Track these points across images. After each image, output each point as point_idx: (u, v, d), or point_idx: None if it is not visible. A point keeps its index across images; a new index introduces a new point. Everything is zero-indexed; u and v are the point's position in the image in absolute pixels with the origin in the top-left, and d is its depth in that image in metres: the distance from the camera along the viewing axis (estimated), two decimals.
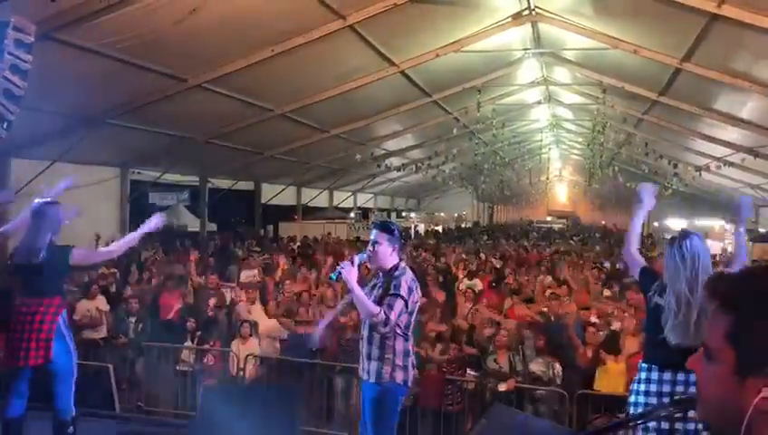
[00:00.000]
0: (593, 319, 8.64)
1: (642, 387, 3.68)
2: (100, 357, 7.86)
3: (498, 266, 14.12)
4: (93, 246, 9.31)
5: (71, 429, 4.59)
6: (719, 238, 24.42)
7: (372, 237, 4.22)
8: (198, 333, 8.35)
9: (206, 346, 8.10)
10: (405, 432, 6.09)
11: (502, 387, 6.74)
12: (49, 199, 4.73)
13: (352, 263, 4.09)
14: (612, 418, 6.43)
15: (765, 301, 1.05)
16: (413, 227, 31.64)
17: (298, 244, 18.95)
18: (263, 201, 21.66)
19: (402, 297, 3.99)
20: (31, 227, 4.54)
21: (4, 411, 4.59)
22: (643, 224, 4.17)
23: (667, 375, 3.60)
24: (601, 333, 7.93)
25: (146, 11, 7.36)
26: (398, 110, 15.18)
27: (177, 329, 8.41)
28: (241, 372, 7.70)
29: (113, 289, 10.17)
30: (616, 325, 8.06)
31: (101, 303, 8.97)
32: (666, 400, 3.55)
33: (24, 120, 8.59)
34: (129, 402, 7.54)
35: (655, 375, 3.64)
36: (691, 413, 3.53)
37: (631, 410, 3.72)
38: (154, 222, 4.98)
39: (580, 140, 23.64)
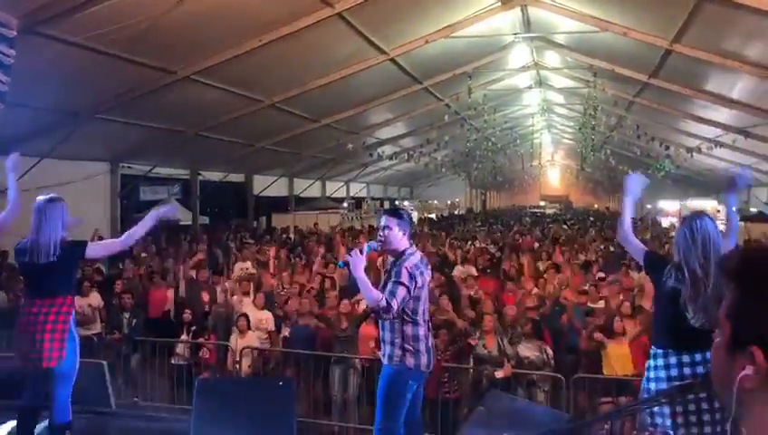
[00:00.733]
0: (591, 304, 8.67)
1: (662, 374, 3.60)
2: (94, 354, 7.81)
3: (493, 252, 14.12)
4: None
5: (67, 433, 4.49)
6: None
7: (382, 223, 4.24)
8: (194, 328, 8.32)
9: (201, 340, 8.07)
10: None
11: (499, 374, 6.74)
12: (52, 195, 4.52)
13: (362, 251, 4.11)
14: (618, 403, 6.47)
15: (760, 281, 1.07)
16: None
17: (291, 235, 18.90)
18: (255, 193, 21.60)
19: (402, 283, 4.01)
20: (37, 225, 4.32)
21: (19, 402, 4.54)
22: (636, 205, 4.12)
23: (686, 358, 3.55)
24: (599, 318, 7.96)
25: (132, 2, 7.28)
26: (388, 98, 15.12)
27: (170, 324, 8.38)
28: (237, 365, 7.68)
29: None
30: (612, 308, 8.08)
31: (95, 299, 8.91)
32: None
33: (9, 117, 8.55)
34: (125, 398, 7.50)
35: (673, 359, 3.58)
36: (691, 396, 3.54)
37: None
38: (167, 210, 4.87)
39: (572, 124, 23.66)
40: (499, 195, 49.00)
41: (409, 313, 4.09)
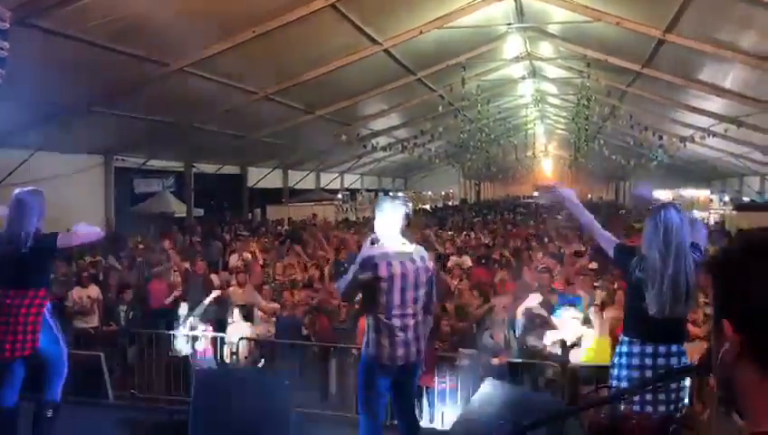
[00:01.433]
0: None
1: (624, 360, 3.70)
2: (91, 346, 7.82)
3: (487, 242, 14.16)
4: None
5: (50, 412, 4.52)
6: (705, 209, 24.64)
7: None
8: (191, 318, 8.33)
9: (198, 331, 8.09)
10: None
11: (494, 362, 6.77)
12: (33, 188, 4.60)
13: (372, 242, 4.14)
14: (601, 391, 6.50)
15: (731, 262, 1.07)
16: None
17: (286, 227, 18.90)
18: (249, 185, 21.57)
19: (349, 272, 4.12)
20: (15, 216, 4.35)
21: None
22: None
23: (649, 348, 3.63)
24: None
25: None
26: (383, 89, 15.10)
27: (169, 315, 8.40)
28: (234, 357, 7.71)
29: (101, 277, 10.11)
30: (599, 299, 8.09)
31: (94, 291, 8.92)
32: (648, 372, 3.61)
33: (3, 109, 8.53)
34: (123, 390, 7.52)
35: (636, 349, 3.66)
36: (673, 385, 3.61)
37: (613, 384, 3.75)
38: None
39: (565, 114, 23.67)
40: (493, 185, 49.02)
41: (377, 305, 4.01)
